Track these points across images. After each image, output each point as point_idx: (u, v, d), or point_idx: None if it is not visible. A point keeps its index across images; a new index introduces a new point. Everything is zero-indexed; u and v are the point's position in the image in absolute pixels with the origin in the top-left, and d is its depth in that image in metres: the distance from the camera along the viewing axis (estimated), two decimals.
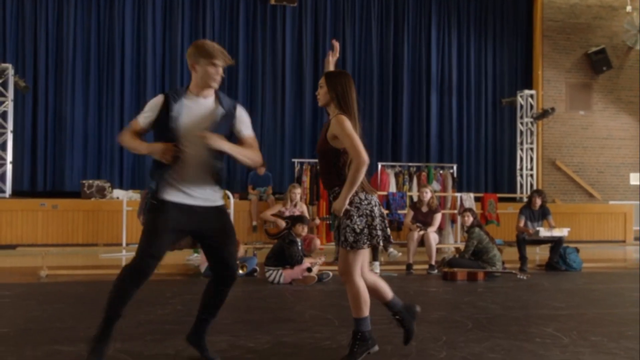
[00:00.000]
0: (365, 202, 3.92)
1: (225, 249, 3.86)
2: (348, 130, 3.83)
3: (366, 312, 3.94)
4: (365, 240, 3.89)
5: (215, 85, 3.84)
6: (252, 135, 3.95)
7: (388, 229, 4.04)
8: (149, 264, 3.69)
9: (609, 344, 4.51)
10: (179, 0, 14.68)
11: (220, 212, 3.89)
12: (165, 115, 3.73)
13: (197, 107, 3.81)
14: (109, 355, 4.04)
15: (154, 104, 3.81)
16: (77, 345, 4.27)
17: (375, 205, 3.97)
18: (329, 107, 4.03)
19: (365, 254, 4.01)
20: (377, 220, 3.94)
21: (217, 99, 3.90)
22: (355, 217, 3.88)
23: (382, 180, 13.12)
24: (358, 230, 3.87)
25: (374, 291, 4.14)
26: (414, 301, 5.92)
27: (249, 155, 3.85)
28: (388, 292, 4.14)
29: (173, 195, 3.74)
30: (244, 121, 3.93)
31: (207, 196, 3.82)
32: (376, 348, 3.96)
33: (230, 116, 3.87)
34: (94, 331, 3.67)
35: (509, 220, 12.71)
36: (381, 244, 3.97)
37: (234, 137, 3.89)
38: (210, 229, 3.82)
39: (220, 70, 3.82)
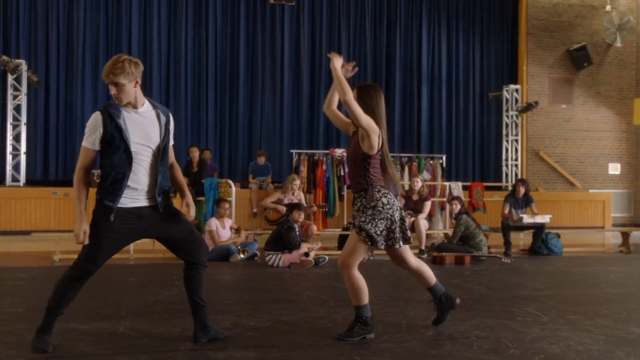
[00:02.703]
0: (388, 206, 3.99)
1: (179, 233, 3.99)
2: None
3: (365, 300, 4.02)
4: (383, 242, 3.98)
5: None
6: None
7: (408, 231, 4.12)
8: (92, 272, 3.66)
9: (585, 321, 4.58)
10: None
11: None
12: (110, 131, 3.50)
13: (140, 119, 3.61)
14: (120, 332, 4.12)
15: (95, 123, 3.52)
16: (88, 323, 4.33)
17: (397, 210, 4.03)
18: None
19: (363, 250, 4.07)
20: (397, 224, 4.01)
21: (154, 107, 3.71)
22: (376, 220, 3.95)
23: None
24: (378, 232, 3.96)
25: (418, 276, 4.26)
26: (406, 283, 6.03)
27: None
28: (431, 278, 4.26)
29: (130, 202, 3.70)
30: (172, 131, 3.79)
31: (151, 195, 3.71)
32: (372, 335, 4.03)
33: (169, 124, 3.73)
34: (38, 324, 3.73)
35: (495, 207, 12.77)
36: (400, 245, 4.04)
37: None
38: (160, 228, 3.85)
39: None
